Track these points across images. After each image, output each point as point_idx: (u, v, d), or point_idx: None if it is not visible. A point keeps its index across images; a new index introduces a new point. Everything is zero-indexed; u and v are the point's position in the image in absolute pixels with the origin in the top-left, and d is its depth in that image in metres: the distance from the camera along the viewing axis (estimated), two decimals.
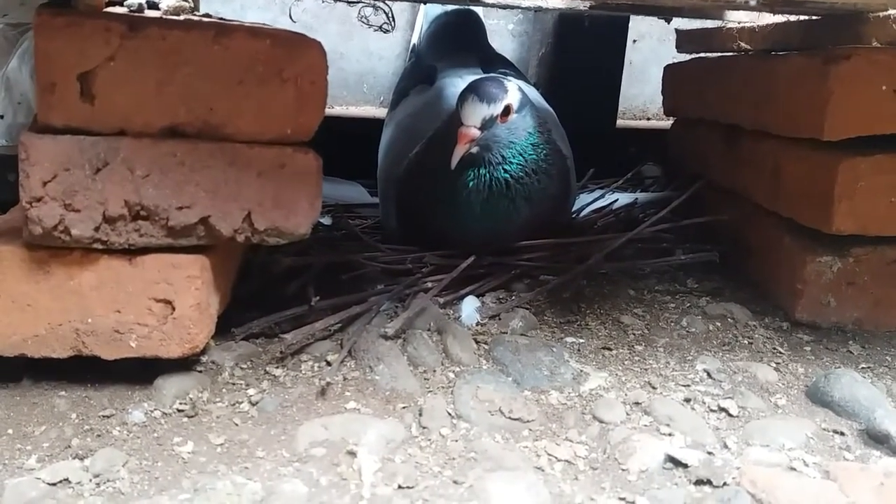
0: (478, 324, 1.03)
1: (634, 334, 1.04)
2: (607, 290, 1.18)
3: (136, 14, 0.80)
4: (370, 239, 1.23)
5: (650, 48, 1.95)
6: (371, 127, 1.51)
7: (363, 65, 1.88)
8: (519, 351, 0.94)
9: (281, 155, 0.82)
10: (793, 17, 1.20)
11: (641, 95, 2.01)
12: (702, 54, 1.51)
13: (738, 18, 1.42)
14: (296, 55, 0.81)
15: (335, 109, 1.87)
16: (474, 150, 1.04)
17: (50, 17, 0.74)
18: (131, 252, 0.80)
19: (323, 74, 0.83)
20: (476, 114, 1.03)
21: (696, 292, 1.20)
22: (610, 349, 0.99)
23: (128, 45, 0.76)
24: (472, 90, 1.05)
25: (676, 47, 1.58)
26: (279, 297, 1.02)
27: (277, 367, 0.90)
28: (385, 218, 1.28)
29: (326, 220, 1.34)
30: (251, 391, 0.84)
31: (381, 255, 1.15)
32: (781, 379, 0.94)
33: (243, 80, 0.79)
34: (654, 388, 0.89)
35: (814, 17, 1.15)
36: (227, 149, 0.80)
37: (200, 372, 0.88)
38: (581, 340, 1.01)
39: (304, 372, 0.89)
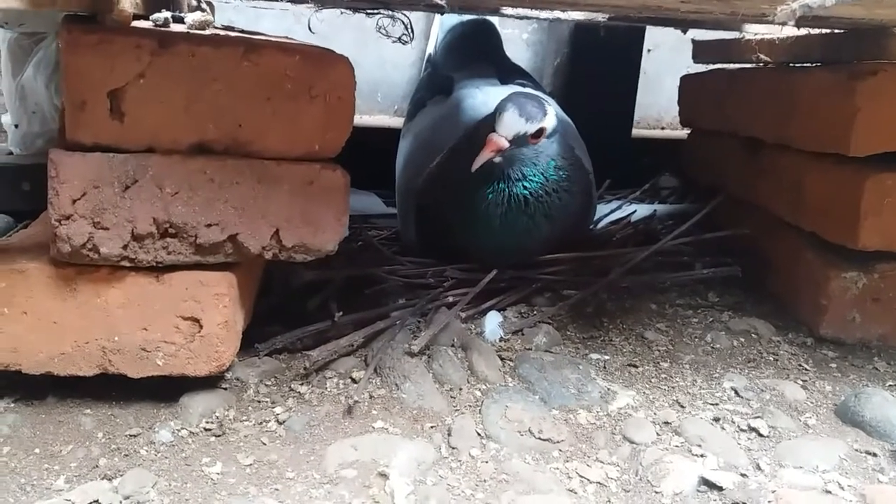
0: (501, 339, 1.02)
1: (659, 350, 1.03)
2: (629, 304, 1.17)
3: (164, 29, 0.79)
4: (389, 251, 1.22)
5: (665, 58, 1.94)
6: (385, 136, 1.50)
7: (377, 73, 1.88)
8: (545, 368, 0.93)
9: (309, 171, 0.81)
10: (814, 30, 1.20)
11: (656, 105, 2.01)
12: (719, 65, 1.51)
13: (756, 30, 1.41)
14: (324, 71, 0.80)
15: None
16: (497, 159, 1.04)
17: (81, 33, 0.73)
18: (159, 269, 0.80)
19: (351, 90, 0.83)
20: (511, 126, 1.03)
21: (717, 306, 1.20)
22: (636, 366, 0.98)
23: (158, 62, 0.75)
24: (514, 103, 1.04)
25: (693, 58, 1.57)
26: (301, 311, 1.02)
27: (302, 384, 0.89)
28: (404, 230, 1.28)
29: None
30: (278, 409, 0.84)
31: (401, 268, 1.14)
32: (809, 397, 0.93)
33: (272, 96, 0.78)
34: (682, 406, 0.89)
35: (836, 31, 1.14)
36: (255, 165, 0.79)
37: (226, 389, 0.87)
38: (606, 357, 1.00)
39: (329, 389, 0.88)
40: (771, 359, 1.03)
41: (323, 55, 0.80)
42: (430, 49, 1.67)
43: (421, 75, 1.68)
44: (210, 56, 0.76)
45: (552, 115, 1.08)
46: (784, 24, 1.04)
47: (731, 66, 1.45)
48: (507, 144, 1.02)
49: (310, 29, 1.27)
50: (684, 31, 1.54)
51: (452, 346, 0.98)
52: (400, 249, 1.28)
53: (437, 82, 1.45)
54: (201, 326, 0.80)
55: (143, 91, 0.75)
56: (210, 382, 0.86)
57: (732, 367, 0.99)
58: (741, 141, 1.34)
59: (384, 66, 1.87)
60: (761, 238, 1.25)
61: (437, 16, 1.68)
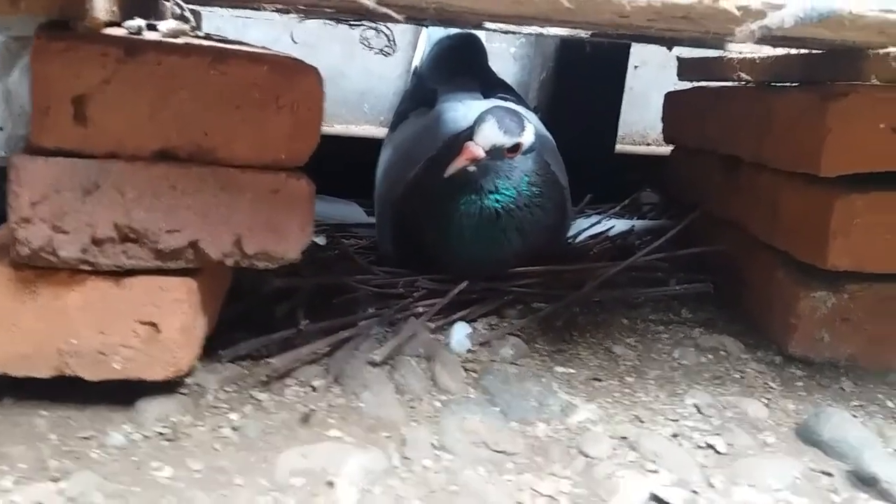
0: (468, 351, 1.02)
1: (626, 365, 1.04)
2: (601, 318, 1.18)
3: (135, 37, 0.80)
4: (363, 260, 1.23)
5: (651, 74, 1.95)
6: (371, 147, 1.51)
7: (364, 84, 1.89)
8: (508, 380, 0.93)
9: (275, 180, 0.81)
10: (794, 50, 1.20)
11: (642, 121, 2.01)
12: (702, 83, 1.51)
13: (739, 48, 1.42)
14: (293, 82, 0.81)
15: (335, 128, 1.88)
16: (472, 169, 1.04)
17: (47, 41, 0.74)
18: (119, 274, 0.80)
19: (319, 101, 0.83)
20: (489, 138, 1.04)
21: (689, 323, 1.20)
22: (600, 380, 0.98)
23: (123, 70, 0.76)
24: (494, 115, 1.05)
25: (678, 75, 1.58)
26: (268, 319, 1.02)
27: (262, 392, 0.89)
28: (381, 240, 1.28)
29: (321, 240, 1.33)
30: (233, 416, 0.84)
31: (373, 277, 1.14)
32: (771, 415, 0.93)
33: (239, 105, 0.79)
34: (641, 422, 0.89)
35: (814, 52, 1.15)
36: (219, 173, 0.80)
37: (184, 394, 0.87)
38: (571, 371, 1.00)
39: (288, 397, 0.88)
40: (737, 376, 1.03)
41: (292, 65, 0.81)
42: (417, 61, 1.68)
43: (406, 87, 1.70)
44: (177, 65, 0.77)
45: (530, 132, 1.09)
46: (744, 42, 1.05)
47: (714, 84, 1.45)
48: (482, 154, 1.03)
49: (293, 39, 1.29)
50: (669, 49, 1.55)
51: (417, 356, 0.98)
52: (377, 259, 1.28)
53: (420, 94, 1.46)
54: (159, 331, 0.81)
55: (108, 98, 0.76)
56: (168, 387, 0.86)
57: (697, 384, 0.99)
58: (721, 159, 1.35)
59: (371, 77, 1.88)
60: (738, 256, 1.25)
61: (425, 28, 1.69)
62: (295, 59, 0.82)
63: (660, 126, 1.66)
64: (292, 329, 0.98)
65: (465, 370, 0.97)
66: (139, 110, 0.77)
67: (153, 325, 0.81)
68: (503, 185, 1.08)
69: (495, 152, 1.05)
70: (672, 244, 1.29)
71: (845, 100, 0.99)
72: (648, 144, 2.06)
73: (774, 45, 1.14)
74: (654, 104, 1.71)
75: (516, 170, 1.09)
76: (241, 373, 0.93)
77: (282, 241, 0.83)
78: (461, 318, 1.09)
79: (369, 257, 1.31)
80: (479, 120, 1.04)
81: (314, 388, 0.89)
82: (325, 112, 0.84)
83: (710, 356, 1.09)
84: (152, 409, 0.83)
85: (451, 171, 1.02)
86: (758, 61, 1.30)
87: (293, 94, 0.80)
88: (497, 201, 1.09)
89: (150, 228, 0.78)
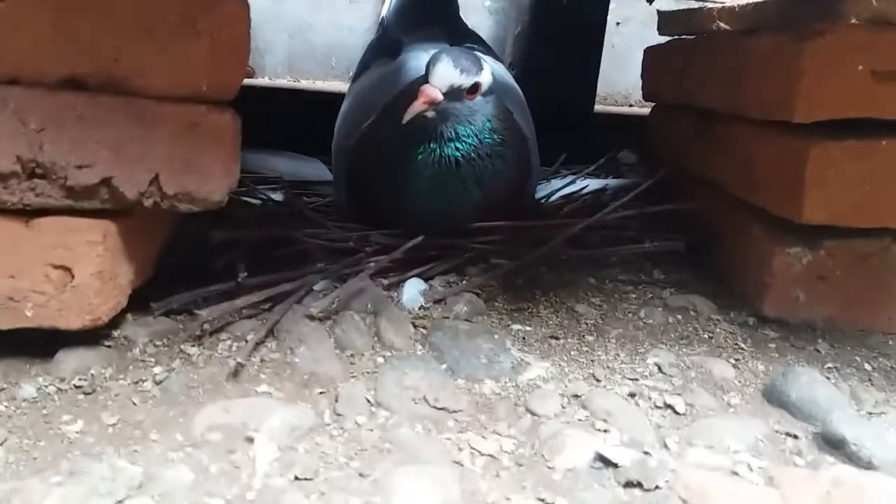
0: (421, 308, 0.96)
1: (587, 324, 0.98)
2: (566, 277, 1.11)
3: None
4: (318, 216, 1.16)
5: (634, 31, 1.88)
6: (338, 102, 1.44)
7: (332, 37, 1.81)
8: (458, 337, 0.87)
9: (194, 113, 0.75)
10: None
11: (624, 81, 1.94)
12: (683, 36, 1.44)
13: None
14: (212, 5, 0.74)
15: (301, 83, 1.80)
16: (430, 114, 0.98)
17: None
18: (28, 213, 0.74)
19: (243, 28, 0.77)
20: (445, 78, 0.97)
21: (660, 283, 1.14)
22: (557, 338, 0.92)
23: None
24: (448, 54, 0.98)
25: (658, 30, 1.51)
26: (208, 271, 0.96)
27: (193, 346, 0.83)
28: (337, 193, 1.22)
29: (278, 196, 1.27)
30: (158, 370, 0.78)
31: (324, 231, 1.08)
32: (739, 376, 0.87)
33: (152, 29, 0.72)
34: (597, 380, 0.83)
35: None
36: (133, 104, 0.73)
37: (109, 347, 0.82)
38: (528, 328, 0.94)
39: (220, 352, 0.82)
40: (706, 336, 0.97)
41: None
42: (384, 12, 1.60)
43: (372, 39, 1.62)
44: None
45: (488, 72, 1.02)
46: None
47: (691, 36, 1.38)
48: (440, 97, 0.96)
49: None
50: (649, 2, 1.48)
51: (365, 311, 0.92)
52: (334, 216, 1.22)
53: (384, 45, 1.39)
54: (73, 276, 0.74)
55: (4, 17, 0.69)
56: (91, 339, 0.80)
57: (662, 344, 0.93)
58: (697, 113, 1.28)
59: (339, 30, 1.80)
60: (713, 214, 1.19)
61: None
62: None
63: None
64: (231, 282, 0.92)
65: (415, 326, 0.91)
66: (40, 32, 0.70)
67: (66, 269, 0.75)
68: (464, 132, 1.02)
69: (453, 94, 0.98)
70: (646, 203, 1.23)
71: (822, 40, 0.92)
72: (631, 105, 1.98)
73: None
74: (637, 63, 1.64)
75: (477, 113, 1.02)
76: (174, 326, 0.87)
77: (204, 181, 0.76)
78: (417, 275, 1.03)
79: (329, 215, 1.25)
80: (433, 60, 0.97)
81: (248, 342, 0.83)
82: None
83: (678, 316, 1.02)
84: (71, 360, 0.77)
85: (409, 116, 0.96)
86: (737, 9, 1.22)
87: (213, 18, 0.73)
88: (457, 149, 1.02)
89: (57, 163, 0.72)
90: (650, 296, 1.09)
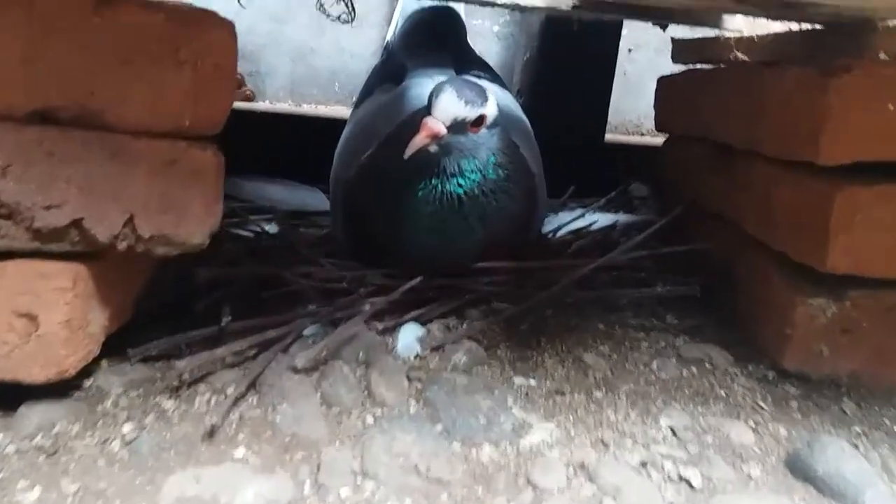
0: (416, 356, 0.90)
1: (595, 377, 0.91)
2: (574, 322, 1.05)
3: None
4: (311, 251, 1.10)
5: (647, 59, 1.82)
6: (340, 128, 1.38)
7: (335, 62, 1.76)
8: (455, 392, 0.81)
9: (173, 149, 0.69)
10: (795, 26, 1.08)
11: (636, 109, 1.88)
12: (698, 65, 1.38)
13: (736, 27, 1.29)
14: (196, 33, 0.68)
15: (303, 108, 1.75)
16: (433, 148, 0.92)
17: None
18: None
19: (230, 57, 0.71)
20: (449, 110, 0.91)
21: (673, 330, 1.07)
22: (563, 394, 0.86)
23: None
24: (452, 85, 0.93)
25: (672, 57, 1.45)
26: (192, 313, 0.90)
27: (169, 398, 0.77)
28: (333, 227, 1.16)
29: (271, 228, 1.21)
30: (128, 427, 0.72)
31: (318, 269, 1.02)
32: (759, 442, 0.80)
33: (130, 59, 0.67)
34: (606, 446, 0.76)
35: (817, 27, 1.02)
36: (107, 140, 0.68)
37: (78, 399, 0.75)
38: (532, 382, 0.87)
39: (197, 406, 0.76)
40: (722, 393, 0.91)
41: (194, 14, 0.69)
42: (390, 36, 1.55)
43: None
44: (53, 6, 0.65)
45: (493, 104, 0.96)
46: (755, 14, 0.92)
47: (708, 66, 1.32)
48: (444, 130, 0.91)
49: (240, 3, 1.16)
50: (663, 28, 1.42)
51: (355, 361, 0.86)
52: (330, 251, 1.16)
53: (388, 70, 1.34)
54: (38, 325, 0.69)
55: None
56: (59, 390, 0.74)
57: (675, 401, 0.87)
58: (713, 147, 1.22)
59: (342, 54, 1.75)
60: (730, 256, 1.13)
61: (400, 1, 1.56)
62: (201, 9, 0.70)
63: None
64: (214, 326, 0.86)
65: (409, 379, 0.84)
66: (7, 61, 0.64)
67: (31, 317, 0.69)
68: (468, 167, 0.96)
69: (457, 127, 0.92)
70: (659, 241, 1.17)
71: (849, 76, 0.86)
72: (643, 134, 1.92)
73: (770, 17, 1.01)
74: (650, 91, 1.58)
75: (481, 147, 0.96)
76: (151, 375, 0.81)
77: (183, 223, 0.70)
78: (414, 320, 0.96)
79: (325, 248, 1.19)
80: (436, 91, 0.92)
81: (227, 397, 0.77)
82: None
83: (693, 369, 0.96)
84: (34, 416, 0.71)
85: (411, 151, 0.90)
86: (756, 40, 1.17)
87: (196, 47, 0.68)
88: (460, 185, 0.96)
89: (23, 202, 0.66)
90: (663, 344, 1.02)
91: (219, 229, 1.12)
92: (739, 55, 1.18)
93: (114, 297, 0.79)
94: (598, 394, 0.87)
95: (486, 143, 0.97)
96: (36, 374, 0.70)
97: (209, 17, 0.69)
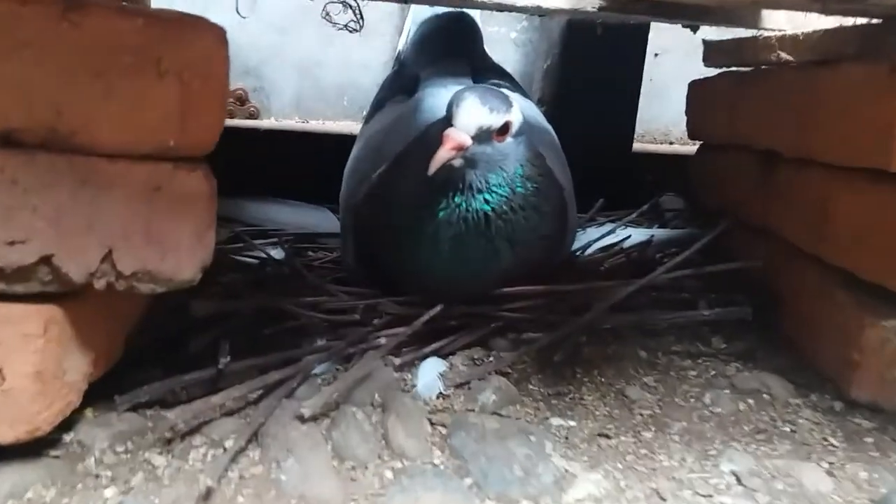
0: (439, 395, 0.80)
1: (642, 415, 0.81)
2: (612, 349, 0.95)
3: None
4: (322, 278, 1.01)
5: (674, 64, 1.72)
6: (350, 145, 1.30)
7: (344, 75, 1.68)
8: (485, 439, 0.71)
9: (155, 173, 0.60)
10: (847, 22, 0.98)
11: (663, 116, 1.78)
12: (732, 68, 1.29)
13: (777, 25, 1.19)
14: (180, 41, 0.60)
15: (310, 124, 1.67)
16: (458, 162, 0.82)
17: None
18: None
19: (220, 68, 0.62)
20: (473, 119, 0.82)
21: (722, 355, 0.97)
22: (608, 436, 0.76)
23: None
24: (474, 92, 0.84)
25: (704, 60, 1.35)
26: (188, 353, 0.81)
27: (160, 453, 0.68)
28: (343, 251, 1.07)
29: (277, 254, 1.12)
30: (111, 491, 0.63)
31: (327, 299, 0.93)
32: (838, 488, 0.70)
33: (103, 72, 0.58)
34: (663, 499, 0.66)
35: (874, 21, 0.92)
36: (78, 164, 0.59)
37: (57, 457, 0.66)
38: (571, 423, 0.78)
39: (191, 463, 0.67)
40: (787, 430, 0.80)
41: (178, 20, 0.60)
42: (401, 46, 1.47)
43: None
44: (15, 13, 0.56)
45: (518, 111, 0.87)
46: (808, 9, 0.83)
47: (747, 68, 1.22)
48: (469, 141, 0.81)
49: (238, 12, 1.07)
50: (694, 31, 1.33)
51: (371, 404, 0.76)
52: (340, 277, 1.07)
53: (400, 81, 1.25)
54: (3, 378, 0.60)
55: None
56: (33, 449, 0.65)
57: (735, 441, 0.77)
58: (755, 155, 1.12)
59: (351, 66, 1.67)
60: (778, 273, 1.02)
61: (411, 9, 1.48)
62: (185, 14, 0.61)
63: (684, 122, 1.43)
64: (212, 368, 0.77)
65: (432, 424, 0.74)
66: None
67: None
68: (495, 181, 0.86)
69: (482, 136, 0.83)
70: (699, 258, 1.06)
71: None
72: (671, 143, 1.82)
73: (826, 12, 0.91)
74: (678, 97, 1.49)
75: (509, 157, 0.87)
76: (141, 425, 0.72)
77: (170, 256, 0.62)
78: (434, 353, 0.87)
79: (335, 274, 1.10)
80: (457, 100, 0.82)
81: (225, 451, 0.68)
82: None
83: (750, 401, 0.85)
84: (5, 480, 0.62)
85: (435, 166, 0.80)
86: (802, 38, 1.07)
87: (181, 57, 0.59)
88: (486, 201, 0.86)
89: None
90: (713, 373, 0.92)
91: (220, 256, 1.04)
92: (783, 55, 1.08)
93: (97, 339, 0.70)
94: (646, 434, 0.77)
95: (513, 153, 0.88)
96: (3, 433, 0.61)
97: (195, 23, 0.61)
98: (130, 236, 0.60)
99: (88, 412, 0.73)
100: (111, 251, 0.60)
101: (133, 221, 0.60)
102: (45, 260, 0.59)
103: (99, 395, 0.72)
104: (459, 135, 0.81)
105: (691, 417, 0.81)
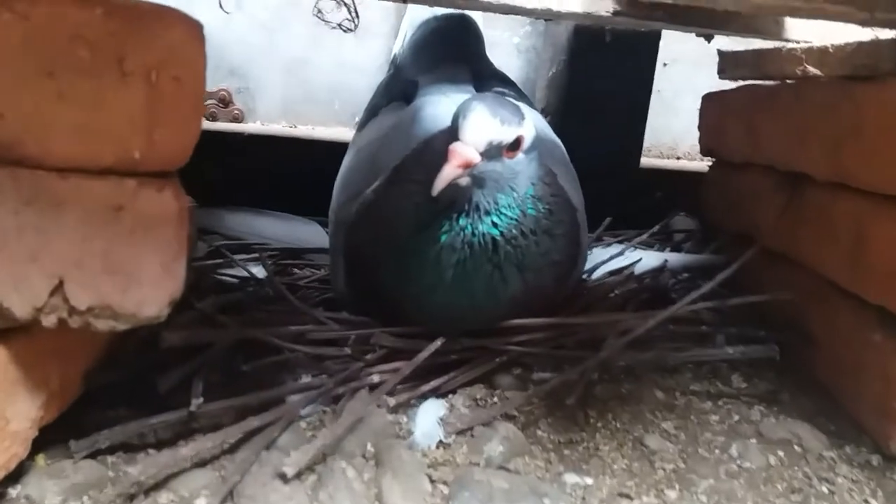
0: (439, 444, 0.71)
1: (665, 469, 0.72)
2: (625, 389, 0.87)
3: None
4: (307, 303, 0.92)
5: (684, 74, 1.65)
6: (341, 152, 1.21)
7: (335, 77, 1.58)
8: (493, 500, 0.62)
9: (116, 191, 0.51)
10: (884, 35, 0.90)
11: (670, 130, 1.70)
12: (750, 81, 1.21)
13: (801, 36, 1.11)
14: (147, 35, 0.50)
15: (298, 130, 1.57)
16: (464, 181, 0.74)
17: None
18: None
19: (196, 67, 0.53)
20: (483, 132, 0.73)
21: (744, 397, 0.89)
22: (629, 497, 0.67)
23: None
24: (482, 102, 0.75)
25: (719, 72, 1.27)
26: (156, 391, 0.71)
27: None
28: (333, 275, 0.98)
29: (260, 272, 1.02)
30: None
31: (314, 329, 0.83)
32: None
33: (54, 70, 0.49)
34: None
35: None
36: (23, 179, 0.49)
37: None
38: (587, 480, 0.69)
39: None
40: (824, 489, 0.72)
41: (145, 12, 0.51)
42: (397, 49, 1.38)
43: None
44: None
45: (530, 124, 0.79)
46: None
47: (769, 82, 1.15)
48: (477, 158, 0.72)
49: (221, 7, 0.98)
50: (708, 40, 1.25)
51: (363, 456, 0.67)
52: (330, 300, 0.98)
53: (396, 87, 1.16)
54: None
55: None
56: None
57: (769, 503, 0.68)
58: (780, 176, 1.04)
59: (344, 68, 1.57)
60: (806, 307, 0.94)
61: (407, 9, 1.39)
62: (153, 3, 0.52)
63: (692, 136, 1.35)
64: (182, 410, 0.67)
65: (432, 481, 0.65)
66: None
67: None
68: (505, 202, 0.78)
69: (492, 151, 0.74)
70: (718, 288, 0.98)
71: None
72: (678, 158, 1.74)
73: (875, 25, 0.83)
74: (686, 109, 1.42)
75: (520, 175, 0.78)
76: (100, 477, 0.63)
77: (133, 289, 0.52)
78: (433, 391, 0.78)
79: (322, 294, 1.01)
80: (464, 110, 0.73)
81: None
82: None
83: (780, 453, 0.77)
84: None
85: (440, 186, 0.71)
86: (832, 51, 0.99)
87: (148, 54, 0.50)
88: (495, 225, 0.78)
89: None
90: (736, 418, 0.84)
91: (196, 275, 0.94)
92: (810, 69, 1.00)
93: (51, 378, 0.61)
94: (671, 494, 0.68)
95: (524, 171, 0.79)
96: None
97: (165, 15, 0.52)
98: (86, 265, 0.51)
99: (40, 459, 0.64)
100: (62, 282, 0.51)
101: (89, 248, 0.51)
102: None
103: (53, 438, 0.63)
104: (467, 150, 0.72)
105: (718, 473, 0.73)
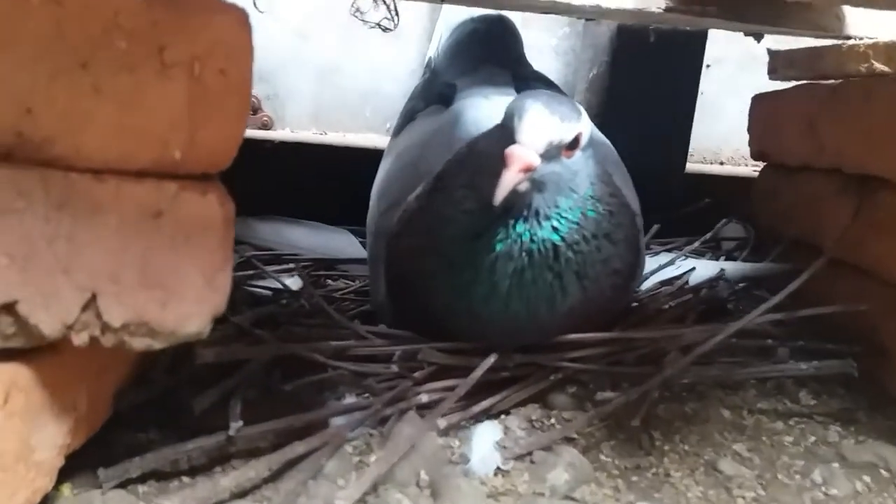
0: (497, 470, 0.66)
1: (745, 497, 0.66)
2: (690, 408, 0.81)
3: None
4: (347, 315, 0.87)
5: (727, 76, 1.59)
6: (373, 160, 1.16)
7: (367, 83, 1.54)
8: None
9: (156, 195, 0.46)
10: None
11: (714, 133, 1.64)
12: (805, 81, 1.15)
13: (862, 32, 1.05)
14: (190, 24, 0.46)
15: (329, 136, 1.53)
16: (524, 186, 0.68)
17: None
18: None
19: (242, 60, 0.48)
20: (542, 132, 0.67)
21: (817, 416, 0.82)
22: None
23: None
24: (538, 99, 0.69)
25: (769, 72, 1.21)
26: (191, 412, 0.66)
27: None
28: (373, 287, 0.92)
29: (294, 283, 0.98)
30: None
31: (356, 344, 0.78)
32: None
33: (89, 61, 0.44)
34: None
35: None
36: (54, 181, 0.45)
37: None
38: None
39: None
40: None
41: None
42: (432, 52, 1.34)
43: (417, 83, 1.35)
44: None
45: (587, 118, 0.73)
46: None
47: (828, 81, 1.08)
48: (538, 160, 0.67)
49: (256, 6, 0.94)
50: (758, 39, 1.19)
51: (417, 485, 0.62)
52: (367, 314, 0.93)
53: (434, 90, 1.11)
54: None
55: None
56: None
57: None
58: (848, 180, 0.98)
59: (376, 74, 1.53)
60: (882, 319, 0.88)
61: (441, 12, 1.35)
62: None
63: (736, 140, 1.31)
64: (220, 434, 0.62)
65: None
66: None
67: None
68: (567, 205, 0.72)
69: (552, 152, 0.68)
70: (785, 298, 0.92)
71: None
72: (721, 163, 1.68)
73: None
74: (730, 112, 1.36)
75: (579, 175, 0.73)
76: None
77: (172, 303, 0.47)
78: (484, 413, 0.72)
79: (359, 308, 0.96)
80: (519, 109, 0.68)
81: None
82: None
83: (866, 478, 0.71)
84: None
85: (503, 193, 0.64)
86: None
87: (193, 43, 0.45)
88: (555, 229, 0.72)
89: None
90: (812, 439, 0.78)
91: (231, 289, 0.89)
92: (878, 66, 0.95)
93: (79, 400, 0.56)
94: None
95: (583, 170, 0.73)
96: None
97: (210, 3, 0.47)
98: (121, 277, 0.46)
99: (65, 489, 0.59)
100: (95, 296, 0.46)
101: (125, 258, 0.46)
102: (7, 308, 0.45)
103: (80, 464, 0.58)
104: (527, 153, 0.66)
105: (804, 502, 0.66)
